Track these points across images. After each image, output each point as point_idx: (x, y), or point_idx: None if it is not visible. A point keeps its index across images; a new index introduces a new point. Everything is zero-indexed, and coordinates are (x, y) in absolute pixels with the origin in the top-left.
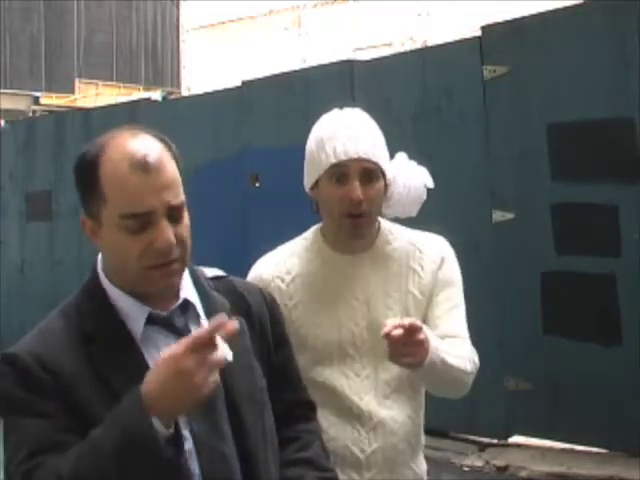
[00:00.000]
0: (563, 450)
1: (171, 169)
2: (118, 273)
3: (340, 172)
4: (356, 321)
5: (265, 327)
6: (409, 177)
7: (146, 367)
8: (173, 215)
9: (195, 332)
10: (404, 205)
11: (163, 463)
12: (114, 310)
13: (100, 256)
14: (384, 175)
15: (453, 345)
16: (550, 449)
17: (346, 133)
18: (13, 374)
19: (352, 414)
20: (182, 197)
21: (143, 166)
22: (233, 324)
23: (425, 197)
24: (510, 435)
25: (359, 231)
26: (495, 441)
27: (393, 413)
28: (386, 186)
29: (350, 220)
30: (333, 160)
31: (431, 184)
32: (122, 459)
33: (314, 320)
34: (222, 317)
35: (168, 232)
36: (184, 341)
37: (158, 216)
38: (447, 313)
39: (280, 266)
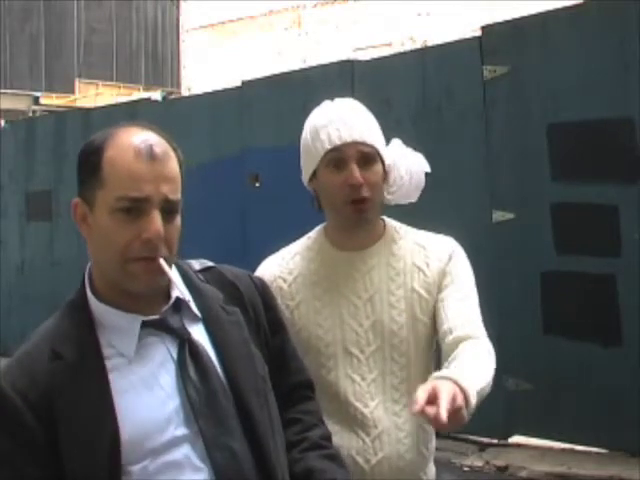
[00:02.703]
0: (563, 450)
1: (174, 165)
2: (102, 272)
3: (337, 158)
4: (360, 321)
5: (259, 313)
6: (410, 162)
7: (106, 394)
8: (167, 210)
9: None
10: (407, 191)
11: None
12: (93, 330)
13: (88, 267)
14: (382, 160)
15: (474, 354)
16: (550, 449)
17: (339, 119)
18: None
19: (356, 421)
20: (179, 196)
21: (148, 153)
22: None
23: (424, 183)
24: (510, 435)
25: (364, 217)
26: (495, 441)
27: (401, 421)
28: (385, 172)
29: (352, 207)
30: (328, 146)
31: (428, 169)
32: None
33: (316, 320)
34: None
35: (159, 223)
36: None
37: (152, 205)
38: (457, 304)
39: (283, 266)
